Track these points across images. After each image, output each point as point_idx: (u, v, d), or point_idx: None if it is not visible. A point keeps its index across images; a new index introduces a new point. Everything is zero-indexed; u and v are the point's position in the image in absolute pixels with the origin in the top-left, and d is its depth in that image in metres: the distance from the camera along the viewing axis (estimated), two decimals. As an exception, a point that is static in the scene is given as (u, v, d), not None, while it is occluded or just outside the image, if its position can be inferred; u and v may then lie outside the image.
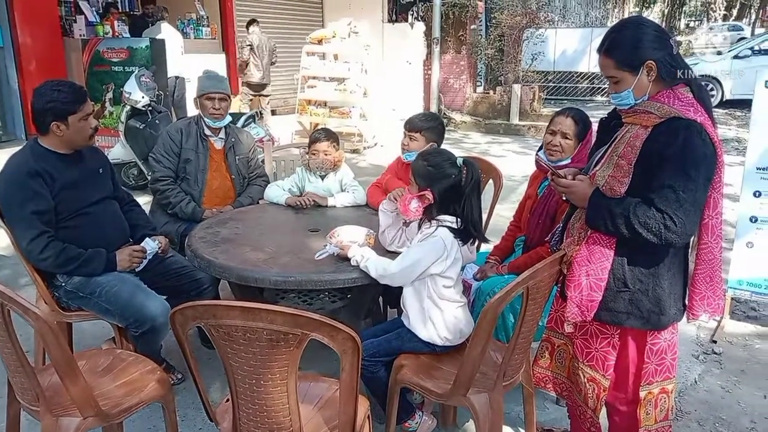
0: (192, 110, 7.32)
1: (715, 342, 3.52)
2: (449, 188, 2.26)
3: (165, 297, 2.74)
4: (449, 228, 2.27)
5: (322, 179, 3.40)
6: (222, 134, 3.54)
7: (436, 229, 2.27)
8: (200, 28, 9.78)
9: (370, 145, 9.78)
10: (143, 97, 6.18)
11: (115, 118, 7.15)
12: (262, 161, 3.92)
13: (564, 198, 2.08)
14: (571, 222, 2.07)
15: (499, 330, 2.67)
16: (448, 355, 2.36)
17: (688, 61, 2.34)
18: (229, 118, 3.55)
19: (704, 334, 3.62)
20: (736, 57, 13.91)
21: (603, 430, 2.25)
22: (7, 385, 2.08)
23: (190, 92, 7.69)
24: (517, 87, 11.79)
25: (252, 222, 3.05)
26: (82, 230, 2.64)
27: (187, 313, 1.59)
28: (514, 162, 8.49)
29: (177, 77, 8.16)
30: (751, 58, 13.52)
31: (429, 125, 3.09)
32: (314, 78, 9.82)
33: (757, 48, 13.82)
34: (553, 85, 15.37)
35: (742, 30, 28.25)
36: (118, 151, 6.46)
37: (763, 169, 3.49)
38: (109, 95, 7.57)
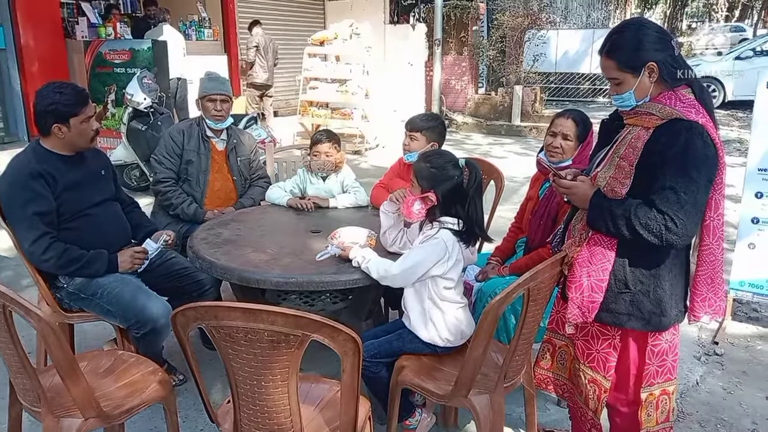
0: (194, 112, 7.33)
1: (716, 343, 3.52)
2: (452, 190, 2.27)
3: (166, 298, 2.74)
4: (451, 230, 2.28)
5: (324, 180, 3.41)
6: (224, 135, 3.55)
7: (437, 231, 2.27)
8: (202, 29, 9.80)
9: (372, 146, 9.78)
10: (145, 99, 6.19)
11: (117, 120, 7.17)
12: (264, 162, 3.92)
13: (565, 199, 2.08)
14: (573, 223, 2.07)
15: (500, 331, 2.68)
16: (449, 356, 2.36)
17: (689, 62, 2.34)
18: (230, 120, 3.56)
19: (706, 336, 3.62)
20: (737, 58, 13.89)
21: (604, 432, 2.25)
22: (9, 386, 2.09)
23: (192, 94, 7.72)
24: (518, 88, 11.79)
25: (253, 223, 3.06)
26: (84, 232, 2.65)
27: (189, 314, 1.60)
28: (516, 163, 8.49)
29: (179, 79, 8.18)
30: (753, 59, 13.50)
31: (430, 125, 3.09)
32: (316, 79, 9.83)
33: (759, 49, 13.80)
34: (555, 86, 15.37)
35: (744, 31, 28.24)
36: (120, 152, 6.48)
37: (765, 170, 3.49)
38: (111, 97, 7.58)
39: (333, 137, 3.37)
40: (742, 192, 3.60)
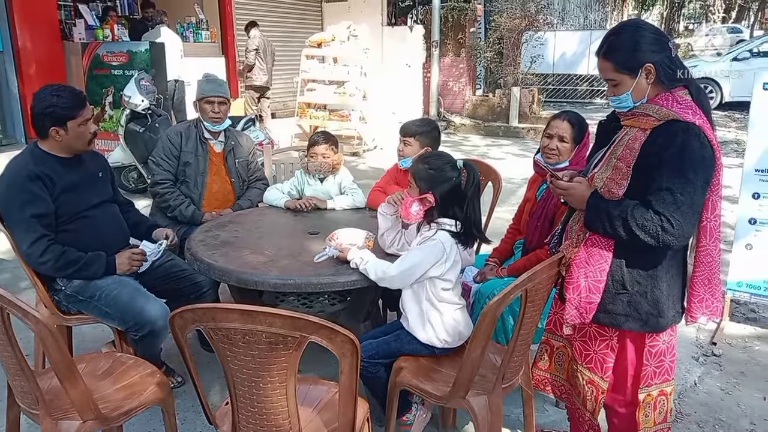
0: (192, 113, 7.32)
1: (714, 344, 3.52)
2: (450, 191, 2.27)
3: (164, 300, 2.74)
4: (448, 231, 2.28)
5: (321, 182, 3.41)
6: (221, 137, 3.55)
7: (435, 233, 2.28)
8: (200, 31, 9.79)
9: (370, 147, 9.79)
10: (143, 101, 6.19)
11: (115, 122, 7.17)
12: (262, 164, 3.92)
13: (562, 200, 2.09)
14: (570, 224, 2.08)
15: (498, 332, 2.68)
16: (447, 357, 2.36)
17: (686, 63, 2.35)
18: (228, 122, 3.56)
19: (704, 336, 3.63)
20: (735, 59, 13.93)
21: (602, 432, 2.25)
22: (7, 388, 2.08)
23: (190, 96, 7.70)
24: (516, 90, 11.80)
25: (251, 225, 3.06)
26: (82, 233, 2.64)
27: (187, 316, 1.60)
28: (514, 164, 8.50)
29: (176, 81, 8.18)
30: (749, 60, 13.53)
31: (423, 130, 3.09)
32: (314, 81, 9.84)
33: (755, 50, 13.84)
34: (553, 87, 15.39)
35: (741, 32, 28.33)
36: (117, 154, 6.47)
37: (762, 171, 3.49)
38: (109, 99, 7.58)
39: (330, 139, 3.38)
40: (739, 193, 3.60)
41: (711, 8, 35.93)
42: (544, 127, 2.84)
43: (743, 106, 13.38)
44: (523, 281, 1.92)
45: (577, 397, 2.20)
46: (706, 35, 30.22)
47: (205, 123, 3.46)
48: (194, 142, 3.45)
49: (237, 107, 9.34)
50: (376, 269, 2.30)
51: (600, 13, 21.44)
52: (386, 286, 2.35)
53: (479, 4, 13.30)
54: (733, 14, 35.87)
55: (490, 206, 3.36)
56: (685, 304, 2.03)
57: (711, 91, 13.59)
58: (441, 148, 3.02)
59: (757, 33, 27.16)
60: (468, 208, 2.28)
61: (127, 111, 6.30)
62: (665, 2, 32.25)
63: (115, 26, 8.18)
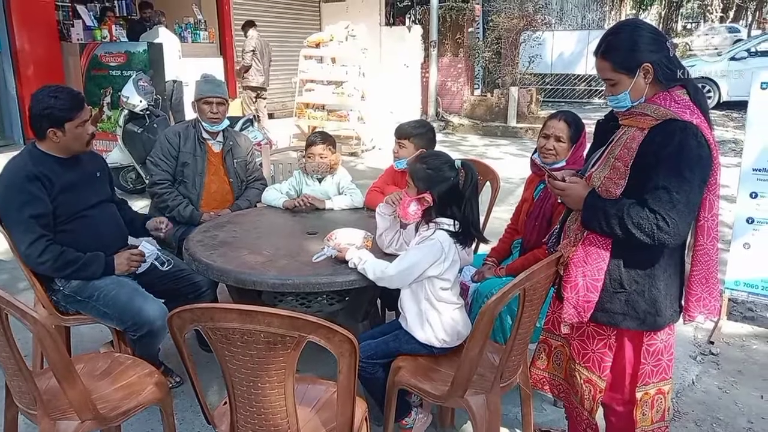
0: (190, 114, 7.33)
1: (712, 343, 3.53)
2: (448, 191, 2.27)
3: (163, 300, 2.74)
4: (447, 231, 2.28)
5: (320, 182, 3.41)
6: (220, 137, 3.55)
7: (434, 232, 2.28)
8: (198, 32, 9.78)
9: (368, 148, 9.79)
10: (141, 101, 6.19)
11: (113, 122, 7.16)
12: (260, 164, 3.92)
13: (560, 200, 2.09)
14: (568, 223, 2.08)
15: (496, 332, 2.68)
16: (445, 357, 2.37)
17: (685, 62, 2.35)
18: (227, 122, 3.56)
19: (701, 335, 3.63)
20: (732, 59, 13.94)
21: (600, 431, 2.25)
22: (5, 388, 2.08)
23: (188, 96, 7.71)
24: (514, 89, 11.81)
25: (250, 225, 3.06)
26: (80, 234, 2.64)
27: (185, 316, 1.60)
28: (512, 164, 8.51)
29: (175, 81, 8.17)
30: (747, 60, 13.56)
31: (418, 132, 3.09)
32: (312, 81, 9.85)
33: (753, 50, 13.87)
34: (551, 87, 15.41)
35: (739, 32, 28.36)
36: (116, 155, 6.47)
37: (760, 170, 3.50)
38: (107, 99, 7.57)
39: (327, 139, 3.37)
40: (737, 192, 3.61)
41: (709, 8, 35.97)
42: (541, 127, 2.84)
43: (741, 106, 13.38)
44: (521, 280, 1.92)
45: (575, 396, 2.20)
46: (705, 35, 30.26)
47: (203, 123, 3.46)
48: (192, 142, 3.45)
49: (234, 107, 9.34)
50: (374, 269, 2.30)
51: (598, 12, 21.46)
52: (385, 286, 2.35)
53: (477, 4, 13.31)
54: (731, 14, 35.90)
55: (488, 206, 3.37)
56: (683, 303, 2.03)
57: (709, 91, 13.62)
58: (439, 148, 3.02)
59: (754, 32, 27.18)
60: (466, 207, 2.29)
61: (125, 111, 6.30)
62: (663, 2, 32.28)
63: (113, 27, 8.17)
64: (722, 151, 7.74)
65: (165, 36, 8.32)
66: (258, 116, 9.62)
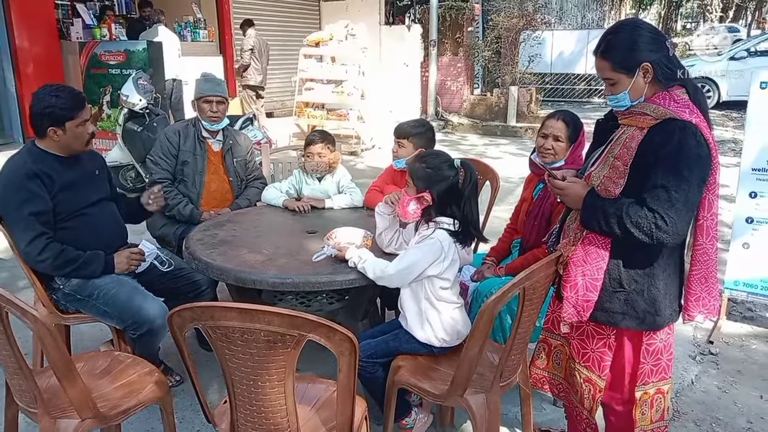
0: (189, 113, 7.33)
1: (711, 342, 3.53)
2: (447, 190, 2.28)
3: (162, 299, 2.74)
4: (446, 230, 2.28)
5: (320, 181, 3.41)
6: (220, 136, 3.55)
7: (433, 231, 2.28)
8: (197, 30, 9.79)
9: (368, 147, 9.79)
10: (141, 100, 6.18)
11: (113, 121, 7.16)
12: (260, 163, 3.92)
13: (559, 199, 2.09)
14: (567, 223, 2.08)
15: (496, 331, 2.68)
16: (445, 356, 2.37)
17: (684, 62, 2.36)
18: (226, 121, 3.56)
19: (701, 335, 3.64)
20: (732, 58, 13.94)
21: (600, 431, 2.25)
22: (6, 387, 2.08)
23: (188, 95, 7.71)
24: (514, 89, 11.81)
25: (249, 224, 3.06)
26: (80, 232, 2.65)
27: (185, 314, 1.60)
28: (512, 163, 8.51)
29: (174, 80, 8.17)
30: (747, 60, 13.55)
31: (417, 131, 3.09)
32: (312, 80, 9.84)
33: (753, 49, 13.86)
34: (550, 86, 15.40)
35: (739, 32, 28.34)
36: (115, 153, 6.47)
37: (759, 170, 3.50)
38: (107, 98, 7.57)
39: (326, 138, 3.37)
40: (736, 192, 3.61)
41: (709, 7, 35.98)
42: (539, 126, 2.84)
43: (740, 106, 13.37)
44: (521, 280, 1.93)
45: (575, 395, 2.21)
46: (704, 35, 30.26)
47: (203, 122, 3.46)
48: (192, 141, 3.45)
49: (234, 107, 9.33)
50: (374, 268, 2.30)
51: (598, 12, 21.44)
52: (384, 285, 2.36)
53: (477, 3, 13.30)
54: (731, 14, 35.89)
55: (488, 205, 3.37)
56: (682, 302, 2.04)
57: (708, 91, 13.61)
58: (438, 148, 3.02)
59: (754, 32, 27.17)
60: (465, 207, 2.29)
61: (125, 110, 6.29)
62: (663, 1, 32.27)
63: (113, 25, 8.16)
64: (722, 151, 7.75)
65: (164, 35, 8.32)
66: (255, 115, 9.63)
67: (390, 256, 2.42)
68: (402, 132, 3.11)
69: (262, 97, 10.12)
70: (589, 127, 2.36)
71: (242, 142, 3.68)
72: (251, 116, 7.20)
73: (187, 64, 8.50)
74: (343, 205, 3.31)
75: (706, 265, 1.97)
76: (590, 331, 2.10)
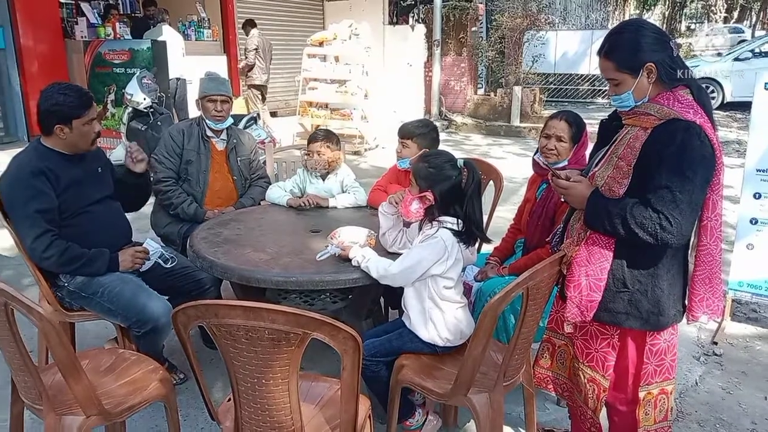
0: (193, 112, 7.34)
1: (715, 343, 3.53)
2: (450, 189, 2.28)
3: (167, 297, 2.75)
4: (450, 229, 2.29)
5: (323, 180, 3.41)
6: (224, 135, 3.56)
7: (437, 231, 2.28)
8: (201, 30, 9.81)
9: (371, 146, 9.80)
10: (145, 99, 6.20)
11: (117, 120, 7.19)
12: (264, 163, 3.93)
13: (562, 199, 2.09)
14: (571, 223, 2.08)
15: (500, 331, 2.69)
16: (449, 355, 2.37)
17: (688, 63, 2.35)
18: (230, 120, 3.57)
19: (705, 336, 3.63)
20: (736, 59, 13.91)
21: (603, 431, 2.25)
22: (11, 383, 2.09)
23: (192, 94, 7.72)
24: (517, 89, 11.80)
25: (253, 223, 3.06)
26: (85, 229, 2.66)
27: (189, 312, 1.60)
28: (515, 164, 8.50)
29: (178, 79, 8.19)
30: (751, 60, 13.51)
31: (420, 132, 3.09)
32: (315, 80, 9.85)
33: (757, 50, 13.82)
34: (554, 87, 15.39)
35: (743, 32, 28.28)
36: (119, 152, 6.48)
37: (763, 170, 3.50)
38: (111, 97, 7.60)
39: (328, 137, 3.37)
40: (740, 193, 3.61)
41: (713, 8, 35.87)
42: (542, 126, 2.84)
43: (745, 107, 13.36)
44: (525, 279, 1.93)
45: (579, 395, 2.21)
46: (708, 35, 30.20)
47: (207, 121, 3.47)
48: (196, 140, 3.46)
49: (239, 106, 9.35)
50: (377, 267, 2.30)
51: (602, 12, 21.43)
52: (388, 284, 2.36)
53: (481, 3, 13.30)
54: (735, 14, 35.82)
55: (492, 205, 3.37)
56: (686, 303, 2.03)
57: (712, 91, 13.59)
58: (442, 147, 3.03)
59: (758, 33, 27.15)
60: (468, 207, 2.29)
61: (129, 109, 6.31)
62: (667, 2, 32.19)
63: (117, 24, 8.19)
64: (726, 152, 7.73)
65: (169, 34, 8.35)
66: (259, 114, 9.64)
67: (393, 256, 2.42)
68: (406, 132, 3.11)
69: (266, 97, 10.13)
70: (592, 128, 2.36)
71: (246, 141, 3.68)
72: (255, 115, 7.22)
73: (191, 63, 8.52)
74: (346, 204, 3.31)
75: (710, 266, 1.96)
76: (594, 331, 2.10)
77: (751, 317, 3.90)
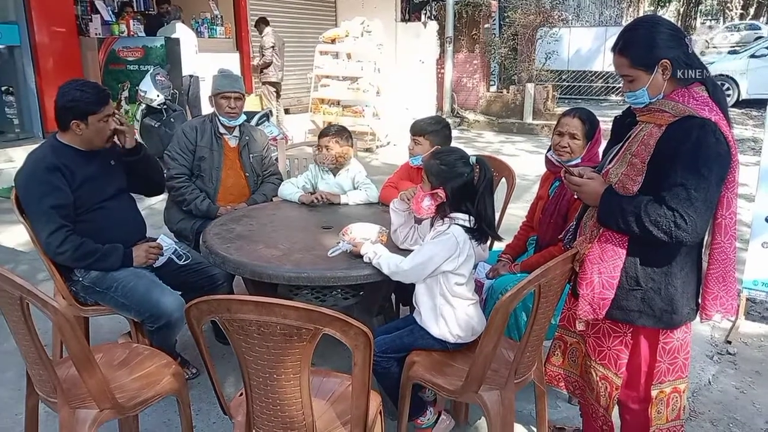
0: (206, 109, 7.38)
1: (729, 342, 3.50)
2: (462, 186, 2.27)
3: (180, 293, 2.77)
4: (462, 226, 2.28)
5: (334, 175, 3.42)
6: (236, 132, 3.57)
7: (449, 227, 2.28)
8: (214, 27, 9.84)
9: (383, 143, 9.80)
10: (158, 96, 6.25)
11: (131, 117, 7.22)
12: (276, 159, 3.95)
13: (576, 196, 2.08)
14: (584, 220, 2.07)
15: (511, 329, 2.68)
16: (460, 352, 2.37)
17: (703, 59, 2.33)
18: (243, 117, 3.58)
19: (719, 335, 3.60)
20: (752, 56, 13.75)
21: (615, 429, 2.24)
22: (26, 377, 2.12)
23: (205, 91, 7.75)
24: (530, 86, 11.75)
25: (265, 219, 3.08)
26: (100, 225, 2.69)
27: (202, 307, 1.61)
28: (528, 161, 8.47)
29: (191, 76, 8.23)
30: (767, 58, 13.36)
31: (433, 129, 3.08)
32: (327, 77, 9.86)
33: (774, 47, 13.67)
34: (567, 84, 15.30)
35: (759, 29, 27.93)
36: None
37: (779, 168, 3.46)
38: (125, 94, 7.64)
39: (339, 132, 3.38)
40: (755, 191, 3.57)
41: (728, 4, 35.48)
42: (555, 124, 2.82)
43: (760, 104, 13.22)
44: (537, 277, 1.92)
45: (591, 393, 2.20)
46: (724, 32, 29.88)
47: (220, 118, 3.48)
48: (209, 136, 3.48)
49: (253, 103, 9.38)
50: (389, 263, 2.31)
51: (615, 9, 21.28)
52: (399, 281, 2.36)
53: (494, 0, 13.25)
54: (751, 11, 35.39)
55: (504, 203, 3.36)
56: (700, 301, 2.02)
57: (728, 89, 13.44)
58: (454, 145, 3.02)
59: (775, 30, 26.78)
60: (479, 204, 2.28)
61: (143, 106, 6.36)
62: (682, -2, 31.89)
63: (131, 22, 8.23)
64: (741, 150, 7.66)
65: (182, 31, 8.38)
66: (272, 111, 9.66)
67: (405, 252, 2.42)
68: (418, 129, 3.11)
69: (280, 94, 10.16)
70: (606, 125, 2.35)
71: (258, 138, 3.70)
72: (267, 112, 7.24)
73: (204, 61, 8.55)
74: (358, 201, 3.32)
75: (724, 264, 1.95)
76: (606, 329, 2.09)
77: (766, 316, 3.86)
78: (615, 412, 2.20)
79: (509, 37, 12.35)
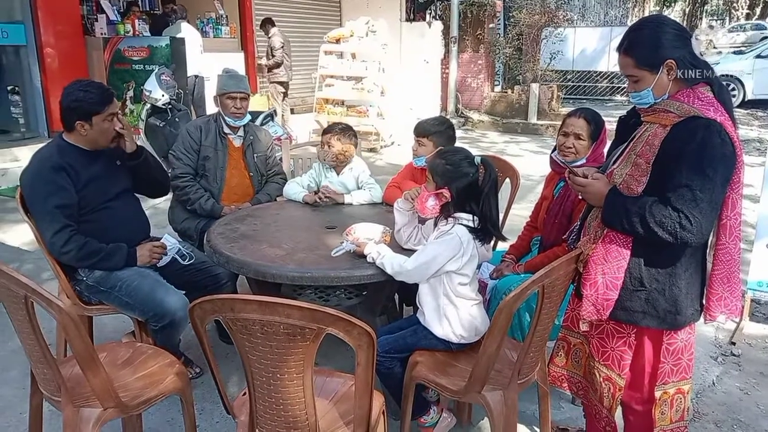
0: (211, 108, 7.38)
1: (734, 344, 3.49)
2: (466, 187, 2.27)
3: (184, 292, 2.77)
4: (466, 226, 2.28)
5: (337, 174, 3.43)
6: (240, 132, 3.58)
7: (453, 227, 2.28)
8: (219, 27, 9.84)
9: (387, 143, 9.79)
10: (163, 96, 6.25)
11: (136, 116, 7.24)
12: (280, 159, 3.95)
13: (580, 197, 2.08)
14: (588, 220, 2.07)
15: (515, 329, 2.68)
16: (463, 352, 2.37)
17: (709, 60, 2.32)
18: (248, 117, 3.59)
19: (723, 336, 3.59)
20: (758, 56, 13.70)
21: (619, 430, 2.24)
22: (30, 376, 2.13)
23: (210, 91, 7.75)
24: (535, 86, 11.73)
25: (269, 219, 3.08)
26: (104, 225, 2.69)
27: (206, 306, 1.62)
28: (532, 161, 8.45)
29: (196, 76, 8.22)
30: (774, 58, 13.31)
31: (437, 129, 3.08)
32: (332, 77, 9.86)
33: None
34: (572, 84, 15.27)
35: (765, 29, 27.81)
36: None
37: (785, 169, 3.45)
38: (130, 93, 7.65)
39: (342, 130, 3.38)
40: (760, 192, 3.56)
41: (734, 4, 35.35)
42: (560, 124, 2.82)
43: (766, 104, 13.20)
44: (541, 277, 1.92)
45: (594, 394, 2.19)
46: (729, 32, 29.79)
47: (226, 118, 3.49)
48: (214, 136, 3.48)
49: (261, 103, 9.38)
50: (392, 263, 2.31)
51: (621, 9, 21.22)
52: (403, 281, 2.36)
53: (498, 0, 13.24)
54: (758, 11, 35.24)
55: (508, 203, 3.35)
56: (704, 302, 2.01)
57: (733, 89, 13.40)
58: (458, 145, 3.01)
59: (782, 30, 26.65)
60: (484, 204, 2.28)
61: (148, 105, 6.37)
62: (687, -2, 31.77)
63: (137, 21, 8.25)
64: (747, 150, 7.63)
65: (187, 31, 8.39)
66: (277, 111, 9.66)
67: (409, 252, 2.42)
68: (422, 130, 3.10)
69: (288, 94, 10.16)
70: (611, 125, 2.34)
71: (263, 137, 3.70)
72: (272, 112, 7.24)
73: (209, 60, 8.55)
74: (362, 200, 3.32)
75: (729, 265, 1.94)
76: (610, 329, 2.08)
77: (771, 318, 3.84)
78: (618, 413, 2.19)
79: (514, 37, 12.34)
